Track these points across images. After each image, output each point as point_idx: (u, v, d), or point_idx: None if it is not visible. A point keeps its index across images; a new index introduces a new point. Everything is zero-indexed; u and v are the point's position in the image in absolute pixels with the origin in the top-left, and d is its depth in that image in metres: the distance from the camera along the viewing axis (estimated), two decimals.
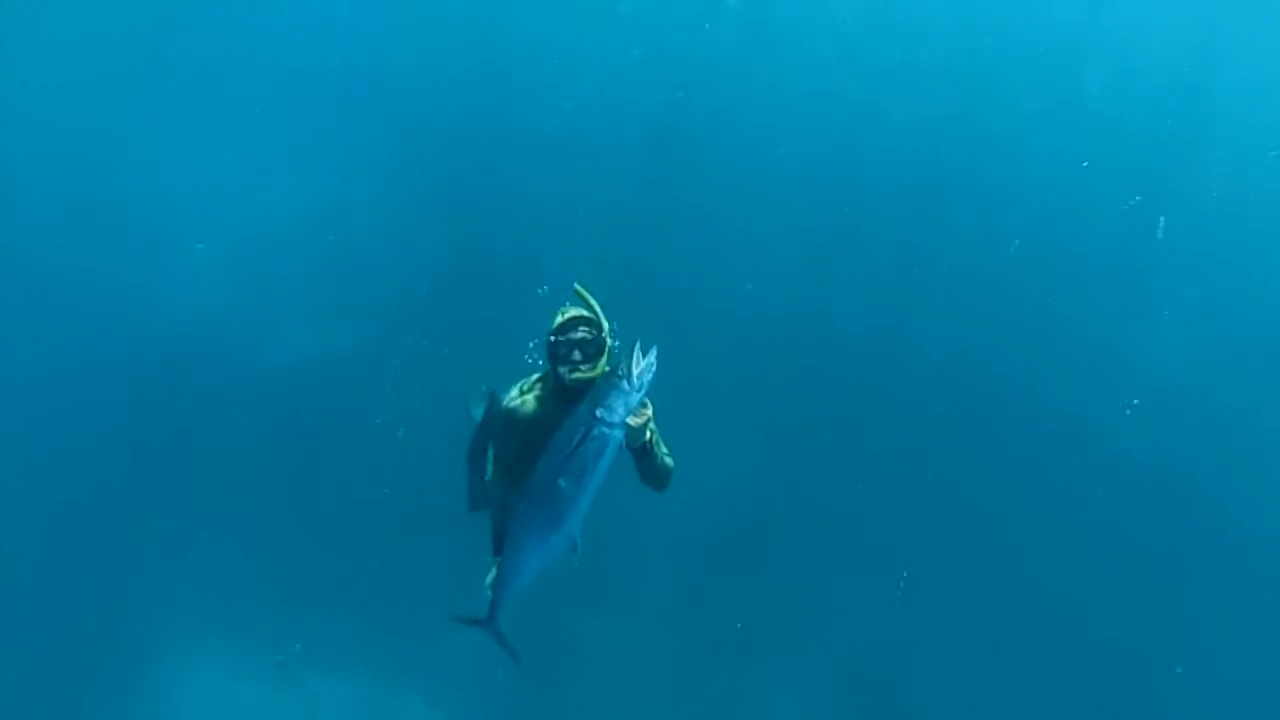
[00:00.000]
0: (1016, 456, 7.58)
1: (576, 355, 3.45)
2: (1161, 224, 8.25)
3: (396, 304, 7.36)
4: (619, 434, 3.31)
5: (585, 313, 3.53)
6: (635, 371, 3.22)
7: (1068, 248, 8.21)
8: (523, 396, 3.69)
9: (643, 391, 3.26)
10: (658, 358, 3.26)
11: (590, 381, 3.48)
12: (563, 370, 3.49)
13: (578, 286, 3.57)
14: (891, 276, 8.24)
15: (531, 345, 4.76)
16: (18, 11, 7.85)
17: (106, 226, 7.33)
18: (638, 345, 3.26)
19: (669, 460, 3.65)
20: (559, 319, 3.54)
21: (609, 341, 3.53)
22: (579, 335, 3.46)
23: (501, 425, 3.69)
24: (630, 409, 3.27)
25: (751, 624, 6.62)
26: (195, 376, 7.10)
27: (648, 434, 3.46)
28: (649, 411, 3.36)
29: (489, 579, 3.80)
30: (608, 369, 3.47)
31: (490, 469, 3.83)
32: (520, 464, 3.69)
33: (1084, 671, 6.93)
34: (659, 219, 8.00)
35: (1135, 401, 7.49)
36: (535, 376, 3.77)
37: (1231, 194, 8.28)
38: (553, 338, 3.50)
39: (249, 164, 7.54)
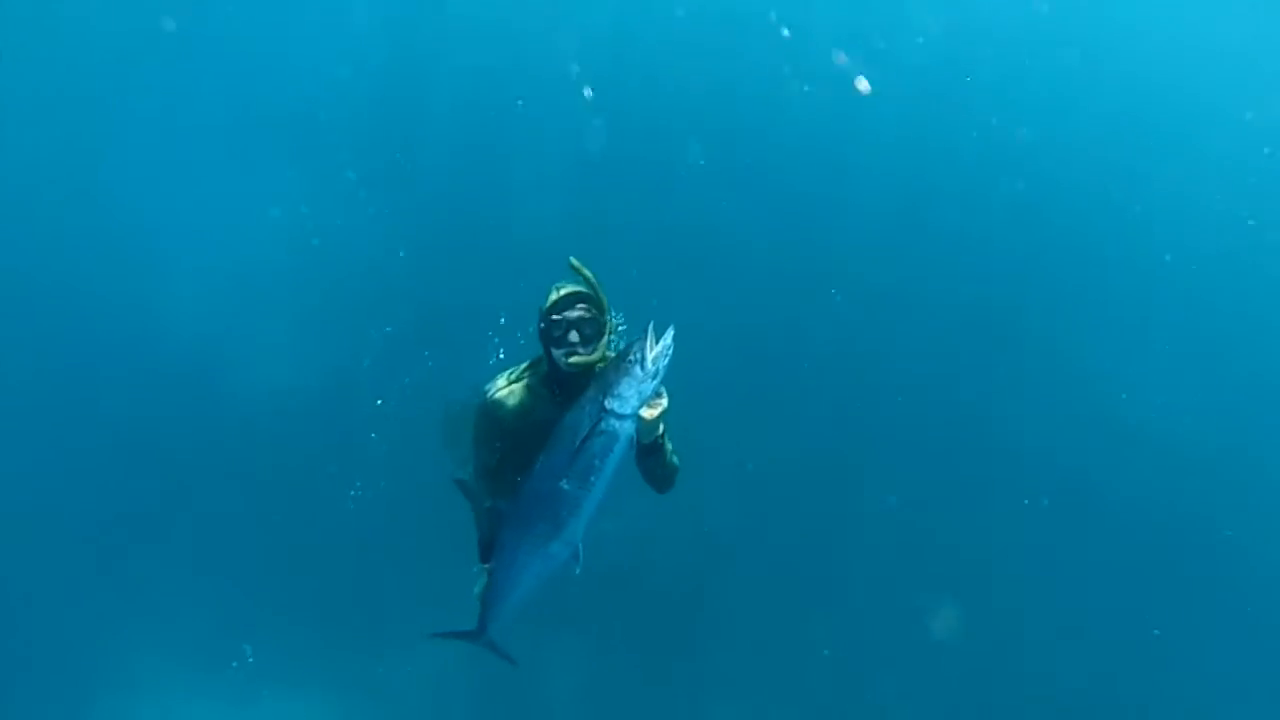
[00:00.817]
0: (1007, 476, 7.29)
1: (573, 336, 3.01)
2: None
3: (373, 316, 6.96)
4: (630, 427, 2.90)
5: (583, 289, 3.10)
6: (650, 355, 2.81)
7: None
8: (509, 386, 3.23)
9: (658, 379, 2.85)
10: (674, 340, 2.85)
11: (589, 367, 3.07)
12: (557, 354, 3.05)
13: (573, 260, 3.12)
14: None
15: (497, 340, 4.35)
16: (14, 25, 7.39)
17: (93, 247, 7.06)
18: (651, 326, 2.85)
19: (675, 459, 3.26)
20: (553, 296, 3.09)
21: (611, 322, 3.10)
22: (576, 314, 3.02)
23: (484, 421, 3.24)
24: (644, 399, 2.86)
25: (718, 648, 6.32)
26: (167, 390, 6.73)
27: (660, 428, 3.06)
28: (664, 402, 2.95)
29: (478, 589, 3.37)
30: (610, 354, 3.06)
31: (471, 471, 3.39)
32: (506, 465, 3.26)
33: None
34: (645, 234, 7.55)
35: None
36: (524, 365, 3.32)
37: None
38: (545, 319, 3.06)
39: (236, 185, 7.28)
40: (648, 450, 3.06)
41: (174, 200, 7.21)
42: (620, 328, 3.24)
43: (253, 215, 7.24)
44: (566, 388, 3.12)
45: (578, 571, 3.17)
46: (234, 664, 5.88)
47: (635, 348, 2.84)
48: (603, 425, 2.88)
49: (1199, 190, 8.34)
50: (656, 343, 2.81)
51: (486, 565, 3.35)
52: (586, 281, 3.09)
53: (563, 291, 3.08)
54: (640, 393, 2.83)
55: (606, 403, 2.86)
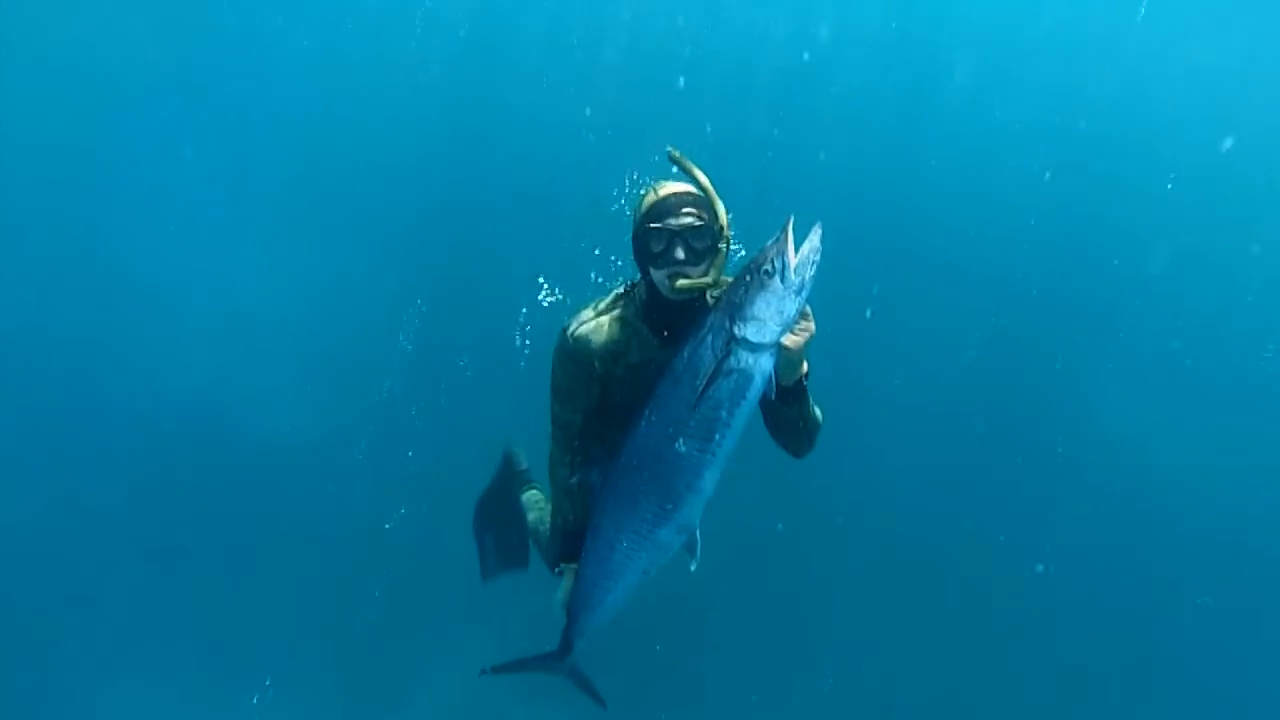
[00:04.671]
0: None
1: (679, 251, 2.23)
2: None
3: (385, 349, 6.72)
4: (768, 363, 2.12)
5: (690, 188, 2.33)
6: (792, 262, 2.04)
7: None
8: (597, 319, 2.45)
9: (804, 294, 2.07)
10: (822, 241, 2.07)
11: (701, 292, 2.30)
12: (658, 276, 2.27)
13: (672, 150, 2.35)
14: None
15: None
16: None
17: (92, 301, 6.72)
18: (790, 224, 2.07)
19: (818, 409, 2.46)
20: (649, 198, 2.31)
21: (727, 234, 2.32)
22: (682, 221, 2.23)
23: (566, 366, 2.46)
24: (787, 322, 2.08)
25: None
26: (183, 428, 6.40)
27: (805, 364, 2.27)
28: (812, 326, 2.16)
29: (560, 595, 2.59)
30: (727, 278, 2.28)
31: (552, 440, 2.60)
32: (599, 423, 2.49)
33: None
34: None
35: None
36: (614, 292, 2.55)
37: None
38: (641, 229, 2.28)
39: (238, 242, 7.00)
40: (789, 395, 2.26)
41: (177, 245, 6.93)
42: (738, 249, 2.48)
43: (260, 257, 6.92)
44: (671, 321, 2.36)
45: (693, 567, 2.39)
46: (254, 699, 5.34)
47: (771, 253, 2.06)
48: (732, 361, 2.11)
49: None
50: (796, 246, 2.05)
51: (569, 564, 2.58)
52: (694, 179, 2.32)
53: (663, 192, 2.30)
54: (781, 313, 2.06)
55: (736, 329, 2.08)
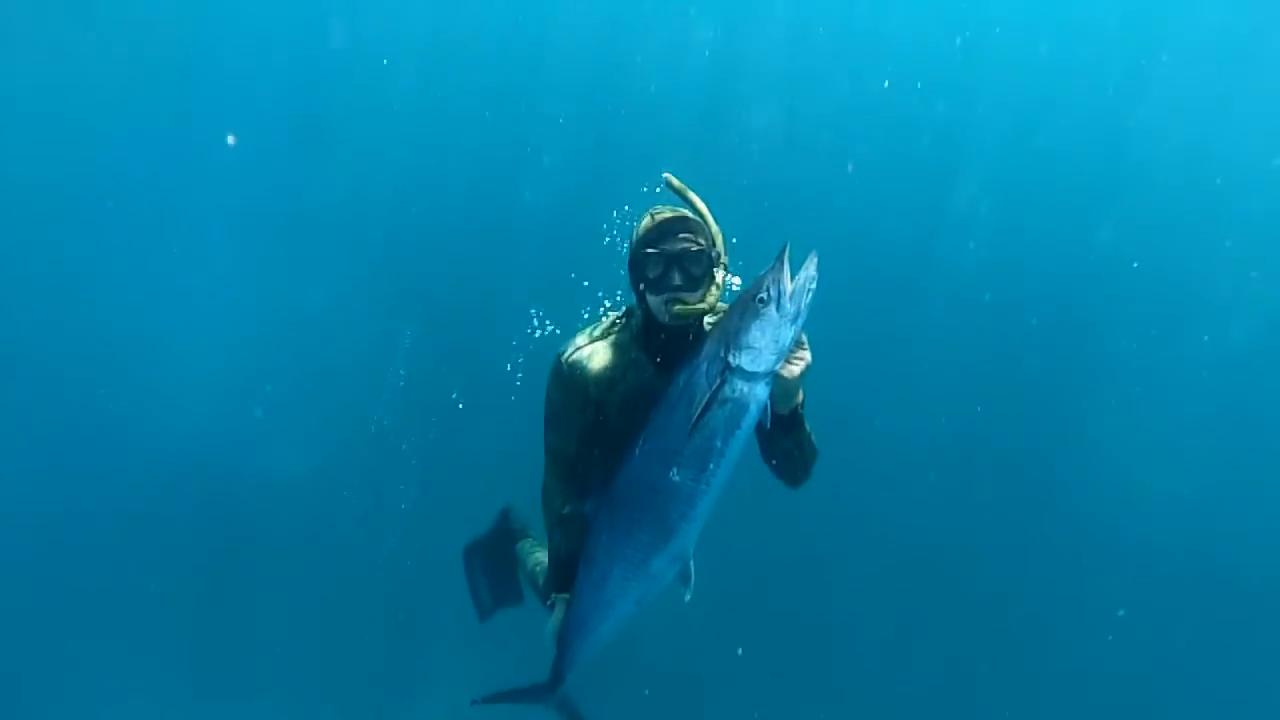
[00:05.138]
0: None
1: (675, 277, 2.21)
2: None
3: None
4: (763, 392, 2.10)
5: (686, 213, 2.32)
6: (788, 289, 2.02)
7: None
8: (592, 344, 2.42)
9: (799, 322, 2.05)
10: (818, 270, 2.06)
11: (698, 318, 2.28)
12: (654, 301, 2.25)
13: (670, 177, 2.35)
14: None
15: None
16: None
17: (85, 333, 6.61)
18: (786, 250, 2.06)
19: (814, 437, 2.43)
20: (645, 223, 2.30)
21: (723, 259, 2.31)
22: (678, 246, 2.22)
23: (560, 392, 2.42)
24: (783, 350, 2.06)
25: None
26: (181, 465, 6.29)
27: (801, 393, 2.25)
28: (808, 355, 2.14)
29: (551, 625, 2.55)
30: (723, 305, 2.27)
31: (546, 472, 2.57)
32: (592, 451, 2.46)
33: None
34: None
35: None
36: (609, 319, 2.53)
37: None
38: (638, 254, 2.26)
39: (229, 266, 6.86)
40: (784, 424, 2.24)
41: (166, 275, 6.80)
42: (733, 280, 2.47)
43: (250, 290, 6.82)
44: (667, 347, 2.34)
45: (688, 598, 2.35)
46: None
47: (767, 281, 2.05)
48: (727, 390, 2.08)
49: None
50: (791, 273, 2.04)
51: (560, 594, 2.54)
52: (690, 204, 2.32)
53: (659, 217, 2.28)
54: (777, 341, 2.04)
55: (731, 358, 2.07)
